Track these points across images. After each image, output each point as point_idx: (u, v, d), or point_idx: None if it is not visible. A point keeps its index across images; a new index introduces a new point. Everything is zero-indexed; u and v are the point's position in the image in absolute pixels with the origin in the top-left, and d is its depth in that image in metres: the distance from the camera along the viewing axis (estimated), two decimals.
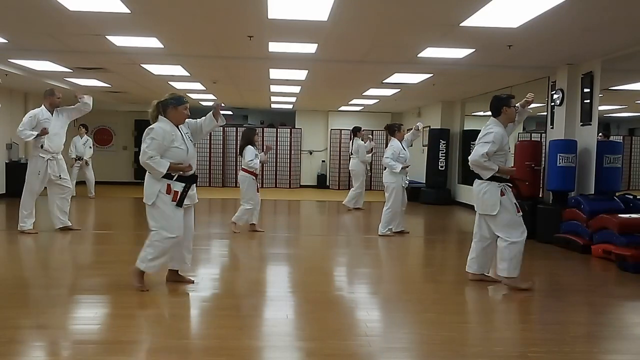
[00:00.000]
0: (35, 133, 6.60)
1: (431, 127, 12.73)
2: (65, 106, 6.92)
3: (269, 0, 4.87)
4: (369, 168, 11.13)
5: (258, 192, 7.36)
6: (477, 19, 5.25)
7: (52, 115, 6.75)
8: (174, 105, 4.22)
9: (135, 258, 4.33)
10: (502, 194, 4.54)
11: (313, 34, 6.12)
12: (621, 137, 12.65)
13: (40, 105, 6.82)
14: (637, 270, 5.35)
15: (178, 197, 4.18)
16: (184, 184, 4.21)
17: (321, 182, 15.84)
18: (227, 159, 15.71)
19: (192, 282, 4.58)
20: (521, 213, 4.61)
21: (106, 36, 6.39)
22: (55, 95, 6.77)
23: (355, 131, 10.58)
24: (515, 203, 4.59)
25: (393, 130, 7.42)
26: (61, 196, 6.95)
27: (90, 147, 11.85)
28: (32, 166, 6.79)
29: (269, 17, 5.38)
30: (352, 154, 10.52)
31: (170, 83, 10.40)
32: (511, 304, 4.46)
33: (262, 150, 7.53)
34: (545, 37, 5.95)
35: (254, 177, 7.25)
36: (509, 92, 9.65)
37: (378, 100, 12.65)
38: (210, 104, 14.77)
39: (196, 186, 4.42)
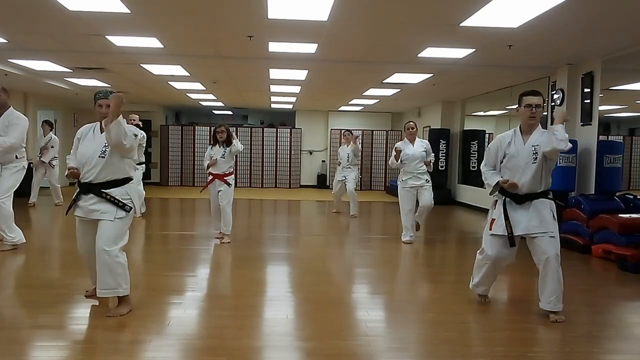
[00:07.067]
0: None
1: (431, 127, 12.73)
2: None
3: (269, 0, 4.88)
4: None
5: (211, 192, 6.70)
6: (477, 19, 5.26)
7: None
8: (94, 102, 3.70)
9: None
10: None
11: (313, 34, 6.11)
12: (621, 137, 12.64)
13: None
14: (637, 270, 5.35)
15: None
16: (77, 191, 3.73)
17: (321, 182, 15.83)
18: None
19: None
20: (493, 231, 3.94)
21: (106, 36, 6.39)
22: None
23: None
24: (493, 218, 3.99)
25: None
26: None
27: (53, 147, 9.87)
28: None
29: (269, 17, 5.38)
30: (348, 160, 9.30)
31: (170, 83, 10.40)
32: (511, 304, 4.45)
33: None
34: (545, 37, 5.95)
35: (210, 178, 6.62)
36: (509, 92, 9.70)
37: (378, 100, 12.65)
38: (210, 104, 14.70)
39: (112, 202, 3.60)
